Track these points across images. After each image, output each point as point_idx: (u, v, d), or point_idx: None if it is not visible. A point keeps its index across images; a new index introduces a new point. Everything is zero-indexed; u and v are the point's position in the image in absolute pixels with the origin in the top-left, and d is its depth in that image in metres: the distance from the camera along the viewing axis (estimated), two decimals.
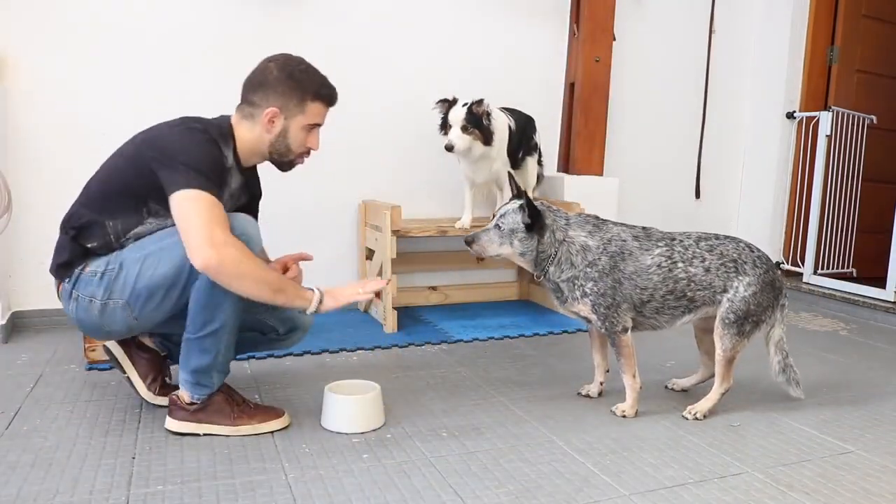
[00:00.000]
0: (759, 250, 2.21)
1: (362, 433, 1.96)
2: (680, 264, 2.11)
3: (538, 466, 1.79)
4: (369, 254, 3.37)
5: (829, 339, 3.25)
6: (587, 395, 2.32)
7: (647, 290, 2.10)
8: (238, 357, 2.11)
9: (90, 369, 2.38)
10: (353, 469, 1.75)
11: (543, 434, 2.00)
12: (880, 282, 3.70)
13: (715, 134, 4.35)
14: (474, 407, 2.20)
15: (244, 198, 2.08)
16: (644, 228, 2.20)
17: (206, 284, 1.76)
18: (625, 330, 2.12)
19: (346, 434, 1.95)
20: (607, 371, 2.33)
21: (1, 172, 2.48)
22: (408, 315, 3.32)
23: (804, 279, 4.13)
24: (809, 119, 4.15)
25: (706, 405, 2.17)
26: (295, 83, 1.90)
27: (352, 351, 2.77)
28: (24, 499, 1.55)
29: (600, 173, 3.84)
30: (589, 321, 2.17)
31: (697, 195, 4.36)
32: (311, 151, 2.03)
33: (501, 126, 3.12)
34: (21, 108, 2.87)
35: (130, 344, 2.09)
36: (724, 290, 2.12)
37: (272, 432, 1.93)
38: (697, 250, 2.14)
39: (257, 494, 1.61)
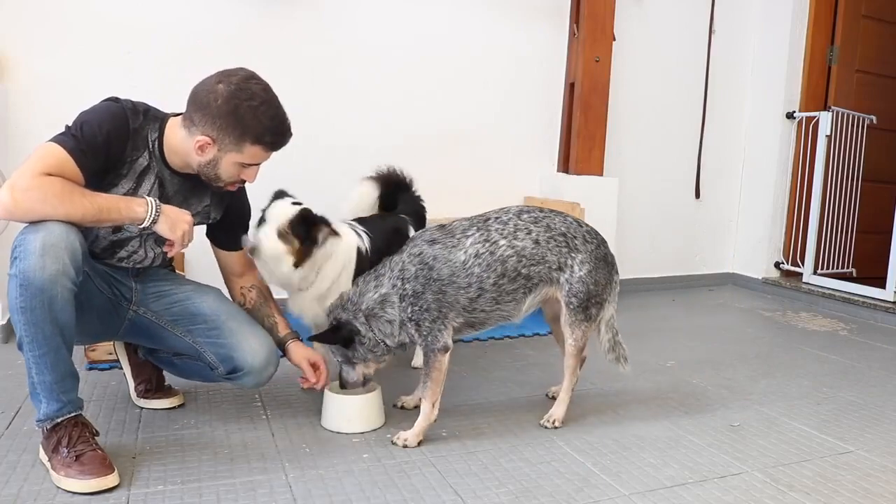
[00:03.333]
0: (587, 225, 2.07)
1: (362, 433, 1.96)
2: (502, 242, 1.94)
3: (538, 466, 1.80)
4: None
5: (829, 339, 3.25)
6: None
7: (472, 286, 1.92)
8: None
9: (90, 369, 2.38)
10: (353, 469, 1.75)
11: (543, 434, 2.00)
12: (880, 282, 3.71)
13: (715, 134, 4.34)
14: (474, 407, 2.20)
15: (214, 213, 1.93)
16: (441, 227, 2.01)
17: (11, 290, 1.53)
18: (445, 349, 1.93)
19: (346, 434, 1.95)
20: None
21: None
22: None
23: (804, 279, 4.13)
24: (809, 119, 4.15)
25: (561, 410, 2.07)
26: (236, 121, 1.67)
27: None
28: (23, 499, 1.55)
29: (600, 173, 3.83)
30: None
31: (697, 195, 4.36)
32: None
33: (342, 252, 2.08)
34: (21, 108, 2.86)
35: (130, 346, 2.13)
36: (560, 269, 1.98)
37: (105, 490, 1.59)
38: (520, 222, 1.97)
39: (257, 494, 1.61)
